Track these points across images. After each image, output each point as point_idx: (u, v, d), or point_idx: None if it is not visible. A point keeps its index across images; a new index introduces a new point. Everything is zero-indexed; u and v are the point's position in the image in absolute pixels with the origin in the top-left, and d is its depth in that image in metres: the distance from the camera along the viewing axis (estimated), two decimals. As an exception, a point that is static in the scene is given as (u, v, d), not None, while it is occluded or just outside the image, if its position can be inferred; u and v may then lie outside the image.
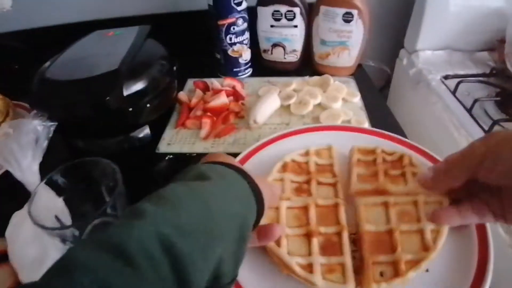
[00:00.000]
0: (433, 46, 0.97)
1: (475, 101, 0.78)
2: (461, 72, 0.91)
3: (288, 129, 0.60)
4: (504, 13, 0.90)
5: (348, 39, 0.77)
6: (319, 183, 0.49)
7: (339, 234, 0.42)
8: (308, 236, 0.42)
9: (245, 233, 0.33)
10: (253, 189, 0.36)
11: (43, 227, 0.41)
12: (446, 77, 0.90)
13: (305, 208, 0.45)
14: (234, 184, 0.35)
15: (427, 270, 0.40)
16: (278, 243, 0.41)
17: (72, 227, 0.42)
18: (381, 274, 0.38)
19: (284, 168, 0.51)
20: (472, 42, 0.97)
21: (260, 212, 0.37)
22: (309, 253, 0.40)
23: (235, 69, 0.83)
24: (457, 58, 0.96)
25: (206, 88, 0.77)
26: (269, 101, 0.68)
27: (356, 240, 0.43)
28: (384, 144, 0.56)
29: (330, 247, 0.41)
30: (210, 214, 0.30)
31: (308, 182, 0.50)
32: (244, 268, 0.35)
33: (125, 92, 0.59)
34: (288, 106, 0.72)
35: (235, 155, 0.55)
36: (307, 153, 0.54)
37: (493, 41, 0.95)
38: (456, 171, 0.39)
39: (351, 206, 0.46)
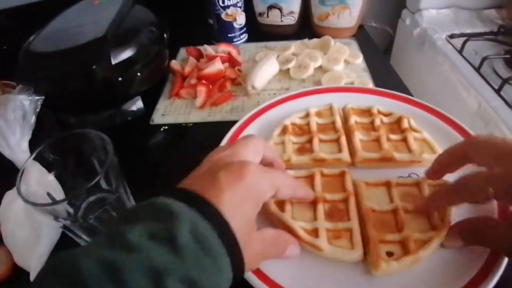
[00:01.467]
0: (438, 4, 0.93)
1: (484, 59, 0.75)
2: (468, 31, 0.88)
3: (289, 93, 0.57)
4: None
5: (348, -3, 0.73)
6: (321, 140, 0.48)
7: (345, 201, 0.40)
8: (313, 202, 0.40)
9: None
10: (226, 242, 0.27)
11: (33, 204, 0.39)
12: (452, 36, 0.87)
13: (310, 177, 0.42)
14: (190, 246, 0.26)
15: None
16: (282, 208, 0.39)
17: (64, 201, 0.40)
18: (388, 254, 0.35)
19: (284, 131, 0.49)
20: (479, -2, 0.93)
21: (237, 266, 0.28)
22: (314, 219, 0.38)
23: (229, 35, 0.79)
24: (463, 17, 0.92)
25: (199, 55, 0.73)
26: (267, 66, 0.65)
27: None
28: (391, 104, 0.53)
29: (337, 214, 0.39)
30: None
31: (310, 141, 0.48)
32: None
33: (113, 61, 0.55)
34: (288, 70, 0.68)
35: (233, 123, 0.53)
36: (307, 115, 0.52)
37: (500, -4, 0.91)
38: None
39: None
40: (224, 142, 0.49)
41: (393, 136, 0.47)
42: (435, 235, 0.35)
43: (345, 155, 0.45)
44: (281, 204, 0.40)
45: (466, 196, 0.34)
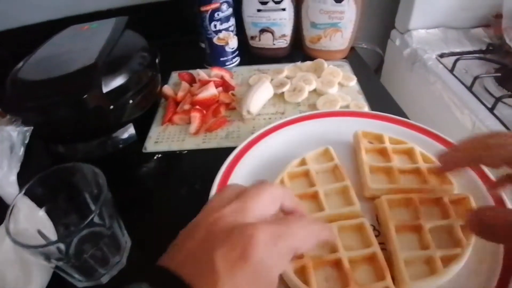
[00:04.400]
0: (427, 25, 0.94)
1: (476, 78, 0.75)
2: (457, 50, 0.89)
3: (285, 119, 0.56)
4: (498, -13, 0.87)
5: (340, 20, 0.73)
6: (326, 194, 0.43)
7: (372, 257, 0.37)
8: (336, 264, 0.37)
9: None
10: None
11: (24, 246, 0.37)
12: (442, 56, 0.87)
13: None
14: None
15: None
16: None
17: (57, 243, 0.38)
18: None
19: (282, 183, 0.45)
20: (467, 18, 0.94)
21: None
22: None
23: (221, 59, 0.78)
24: (451, 36, 0.93)
25: (192, 80, 0.72)
26: (261, 90, 0.64)
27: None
28: (389, 127, 0.53)
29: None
30: None
31: (314, 196, 0.43)
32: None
33: (104, 89, 0.54)
34: (282, 94, 0.68)
35: (229, 149, 0.52)
36: (303, 162, 0.47)
37: (488, 17, 0.93)
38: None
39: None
40: (220, 174, 0.47)
41: (406, 166, 0.45)
42: (460, 251, 0.35)
43: (357, 208, 0.42)
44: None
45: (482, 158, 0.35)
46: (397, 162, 0.46)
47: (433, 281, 0.34)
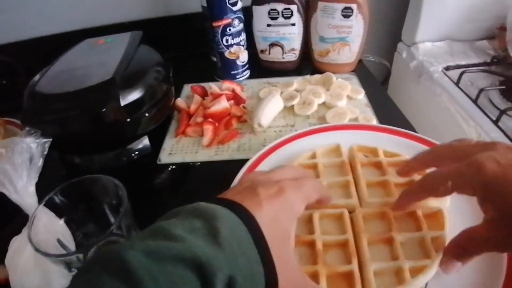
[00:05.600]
0: (433, 38, 0.96)
1: (481, 91, 0.77)
2: (463, 62, 0.91)
3: (296, 132, 0.57)
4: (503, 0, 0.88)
5: (348, 35, 0.75)
6: (329, 185, 0.47)
7: (345, 243, 0.40)
8: (312, 246, 0.40)
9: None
10: (259, 248, 0.29)
11: (46, 254, 0.38)
12: (448, 68, 0.89)
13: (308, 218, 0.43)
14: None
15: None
16: None
17: (78, 253, 0.39)
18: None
19: None
20: (472, 31, 0.96)
21: (269, 275, 0.29)
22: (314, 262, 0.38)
23: (232, 72, 0.80)
24: (457, 48, 0.95)
25: (204, 93, 0.74)
26: (272, 103, 0.66)
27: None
28: (396, 140, 0.54)
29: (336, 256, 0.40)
30: None
31: None
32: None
33: (122, 102, 0.56)
34: (292, 107, 0.69)
35: (240, 161, 0.53)
36: (313, 156, 0.51)
37: (492, 29, 0.94)
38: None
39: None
40: (235, 182, 0.49)
41: (401, 180, 0.46)
42: (429, 263, 0.36)
43: (354, 201, 0.44)
44: None
45: (430, 191, 0.38)
46: (392, 175, 0.47)
47: None
